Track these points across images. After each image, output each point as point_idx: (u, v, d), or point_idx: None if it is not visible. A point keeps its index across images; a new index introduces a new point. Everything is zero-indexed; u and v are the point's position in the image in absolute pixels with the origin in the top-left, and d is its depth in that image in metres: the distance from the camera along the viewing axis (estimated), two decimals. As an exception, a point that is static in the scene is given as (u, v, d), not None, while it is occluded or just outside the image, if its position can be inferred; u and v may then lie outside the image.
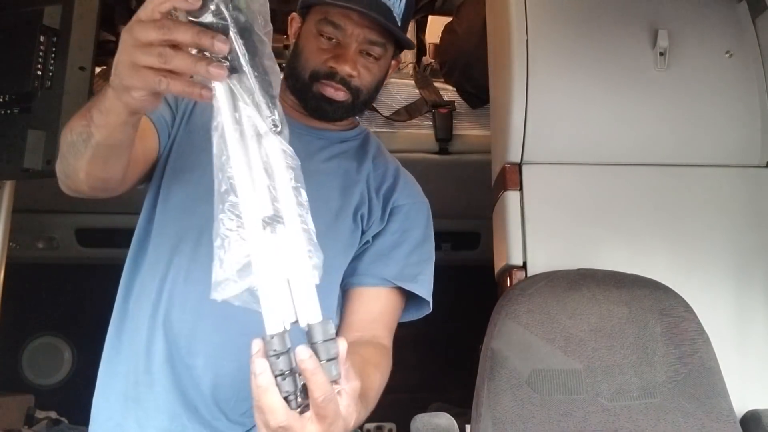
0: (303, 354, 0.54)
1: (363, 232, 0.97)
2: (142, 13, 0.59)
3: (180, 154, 0.94)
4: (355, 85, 0.95)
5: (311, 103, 0.96)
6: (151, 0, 0.58)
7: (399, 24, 0.94)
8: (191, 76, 0.58)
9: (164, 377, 0.87)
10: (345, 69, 0.93)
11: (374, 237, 0.97)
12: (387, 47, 0.96)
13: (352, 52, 0.93)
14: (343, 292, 0.98)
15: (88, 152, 0.74)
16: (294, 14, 1.01)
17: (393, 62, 1.02)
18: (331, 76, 0.93)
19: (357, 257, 0.97)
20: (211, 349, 0.87)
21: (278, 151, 0.58)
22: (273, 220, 0.57)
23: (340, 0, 0.91)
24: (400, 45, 1.00)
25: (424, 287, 0.98)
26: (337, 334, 0.85)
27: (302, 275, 0.57)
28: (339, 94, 0.94)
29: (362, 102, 0.98)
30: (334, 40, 0.93)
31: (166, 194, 0.93)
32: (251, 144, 0.57)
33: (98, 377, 0.94)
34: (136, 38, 0.58)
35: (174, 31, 0.56)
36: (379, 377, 0.87)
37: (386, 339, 0.95)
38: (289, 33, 1.02)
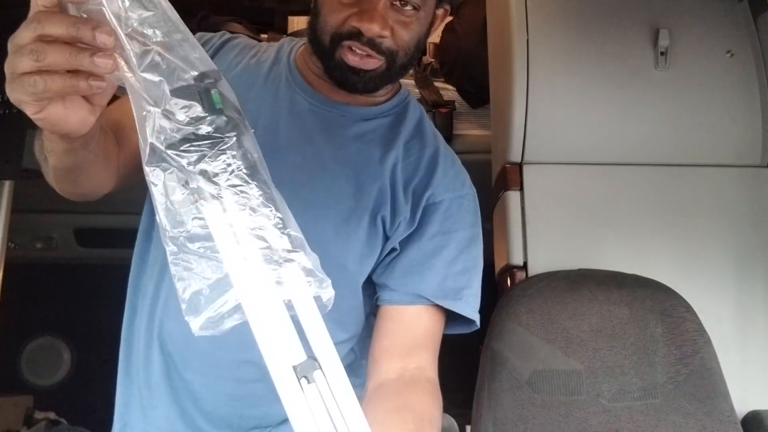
0: None
1: (386, 237, 0.81)
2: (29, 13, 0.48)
3: None
4: (388, 47, 0.77)
5: (336, 73, 0.80)
6: None
7: None
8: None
9: (163, 393, 0.80)
10: (372, 28, 0.75)
11: (404, 243, 0.81)
12: None
13: (381, 6, 0.75)
14: (375, 308, 0.84)
15: (51, 173, 0.67)
16: None
17: (440, 12, 0.84)
18: (356, 36, 0.76)
19: (388, 268, 0.82)
20: (206, 365, 0.78)
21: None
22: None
23: None
24: None
25: (470, 304, 0.82)
26: (375, 360, 0.79)
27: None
28: (368, 62, 0.77)
29: (402, 66, 0.80)
30: None
31: None
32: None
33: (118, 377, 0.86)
34: (13, 42, 0.49)
35: (45, 23, 0.46)
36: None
37: (432, 369, 0.81)
38: None
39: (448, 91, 1.94)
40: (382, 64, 0.78)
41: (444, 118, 1.88)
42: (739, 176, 1.37)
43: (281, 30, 2.21)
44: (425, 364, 0.80)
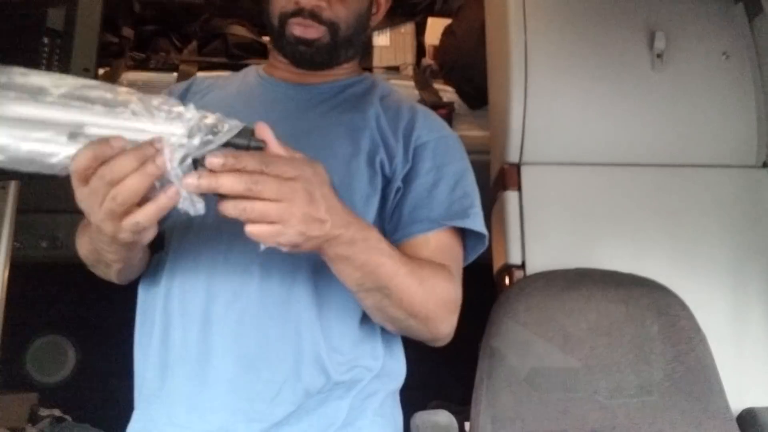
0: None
1: (387, 179, 0.85)
2: None
3: None
4: (328, 17, 0.87)
5: (288, 49, 0.89)
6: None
7: None
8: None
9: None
10: (309, 0, 0.85)
11: (406, 182, 0.85)
12: None
13: None
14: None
15: (114, 275, 0.78)
16: None
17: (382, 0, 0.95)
18: (298, 12, 0.86)
19: (396, 210, 0.85)
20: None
21: None
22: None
23: None
24: None
25: (478, 220, 0.85)
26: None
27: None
28: (310, 31, 0.87)
29: (344, 39, 0.89)
30: None
31: None
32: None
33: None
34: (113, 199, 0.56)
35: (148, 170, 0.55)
36: (429, 269, 0.77)
37: (450, 268, 0.82)
38: None
39: (447, 93, 1.96)
40: (325, 34, 0.88)
41: (443, 119, 1.89)
42: (735, 176, 1.38)
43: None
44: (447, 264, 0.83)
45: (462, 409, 1.30)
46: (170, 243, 0.83)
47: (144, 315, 0.84)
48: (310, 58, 0.89)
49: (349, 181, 0.82)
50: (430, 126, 0.89)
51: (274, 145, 0.60)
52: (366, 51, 2.01)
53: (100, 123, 0.55)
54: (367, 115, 0.88)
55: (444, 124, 0.93)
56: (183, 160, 0.55)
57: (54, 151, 0.55)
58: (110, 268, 0.76)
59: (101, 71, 1.84)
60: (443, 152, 0.88)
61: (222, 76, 1.02)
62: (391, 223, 0.85)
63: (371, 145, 0.85)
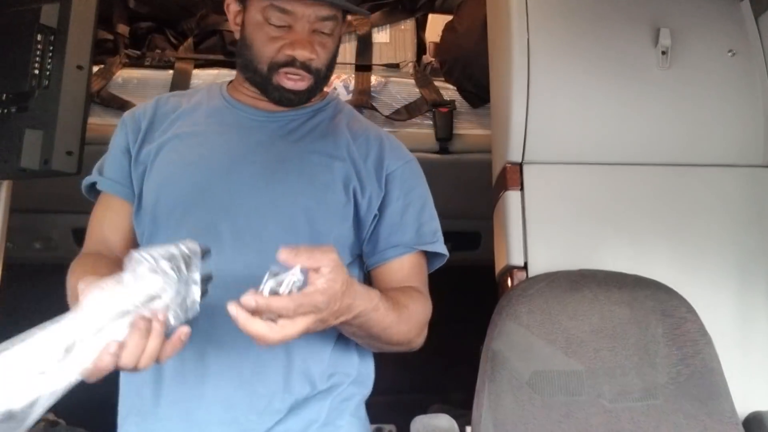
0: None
1: (360, 207, 0.94)
2: None
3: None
4: (316, 67, 0.92)
5: (274, 94, 0.94)
6: None
7: None
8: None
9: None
10: (304, 54, 0.90)
11: (380, 208, 0.95)
12: (338, 17, 0.93)
13: (306, 35, 0.90)
14: (366, 274, 0.98)
15: None
16: (233, 3, 0.96)
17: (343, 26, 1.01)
18: (291, 63, 0.91)
19: (372, 235, 0.95)
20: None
21: None
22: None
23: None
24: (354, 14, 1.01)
25: (441, 242, 0.98)
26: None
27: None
28: (300, 84, 0.92)
29: (323, 78, 0.96)
30: (284, 26, 0.90)
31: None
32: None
33: None
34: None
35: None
36: (410, 303, 0.88)
37: (420, 288, 0.95)
38: (231, 23, 0.98)
39: (449, 91, 1.94)
40: (312, 82, 0.94)
41: (444, 117, 1.88)
42: (741, 176, 1.37)
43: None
44: (420, 288, 0.95)
45: (463, 412, 1.28)
46: None
47: None
48: (295, 102, 0.95)
49: (326, 203, 0.91)
50: (396, 154, 0.98)
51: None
52: (366, 47, 2.00)
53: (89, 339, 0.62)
54: (339, 144, 0.96)
55: (405, 149, 1.02)
56: (182, 304, 0.67)
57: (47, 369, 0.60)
58: None
59: (95, 68, 1.82)
60: (409, 178, 0.98)
61: (184, 93, 1.07)
62: (369, 246, 0.96)
63: (345, 174, 0.93)
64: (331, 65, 0.97)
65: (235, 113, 0.98)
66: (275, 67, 0.91)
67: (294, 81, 0.92)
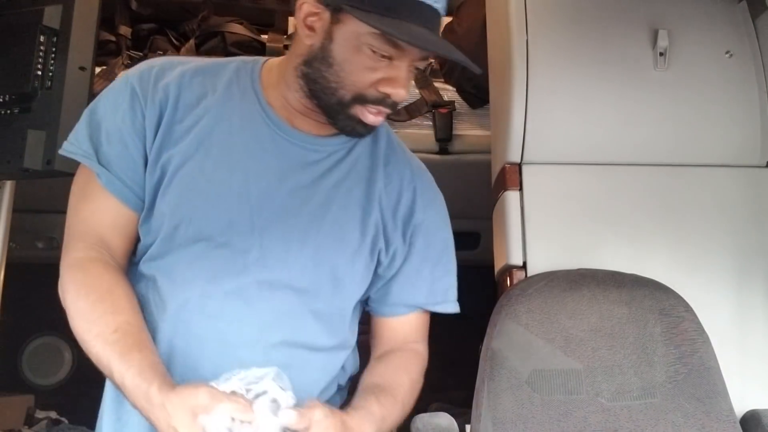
0: None
1: (381, 264, 0.90)
2: None
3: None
4: (399, 103, 0.83)
5: (344, 124, 0.82)
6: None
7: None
8: None
9: None
10: (401, 94, 0.79)
11: (394, 259, 0.92)
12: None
13: (407, 71, 0.79)
14: (368, 314, 0.97)
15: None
16: (312, 5, 0.79)
17: None
18: (381, 101, 0.80)
19: (385, 284, 0.93)
20: None
21: None
22: None
23: (411, 39, 0.74)
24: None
25: (453, 300, 0.96)
26: (367, 356, 0.95)
27: None
28: (380, 119, 0.82)
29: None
30: (386, 57, 0.77)
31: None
32: None
33: None
34: None
35: None
36: (406, 379, 0.88)
37: (420, 344, 0.95)
38: (299, 23, 0.81)
39: (448, 92, 1.95)
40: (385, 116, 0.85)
41: (444, 118, 1.89)
42: (739, 176, 1.38)
43: (281, 30, 2.22)
44: (412, 344, 0.94)
45: (463, 411, 1.29)
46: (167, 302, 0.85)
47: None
48: (360, 136, 0.87)
49: (352, 270, 0.88)
50: (426, 199, 0.93)
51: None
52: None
53: None
54: (373, 190, 0.89)
55: (433, 183, 0.96)
56: None
57: None
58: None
59: (98, 69, 1.82)
60: (433, 227, 0.93)
61: (207, 68, 0.90)
62: (378, 294, 0.93)
63: (374, 233, 0.89)
64: None
65: (273, 132, 0.86)
66: (362, 99, 0.79)
67: (375, 116, 0.81)
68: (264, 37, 2.17)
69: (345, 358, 0.93)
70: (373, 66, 0.78)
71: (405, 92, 0.79)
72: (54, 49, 1.46)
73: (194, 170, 0.83)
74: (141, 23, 2.15)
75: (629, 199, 1.36)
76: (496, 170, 1.48)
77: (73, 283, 0.80)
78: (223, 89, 0.87)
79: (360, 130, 0.83)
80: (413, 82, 1.96)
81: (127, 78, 0.86)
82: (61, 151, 0.86)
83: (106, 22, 1.97)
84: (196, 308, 0.82)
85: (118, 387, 0.74)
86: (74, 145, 0.85)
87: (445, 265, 0.95)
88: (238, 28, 2.13)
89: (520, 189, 1.35)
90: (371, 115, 0.81)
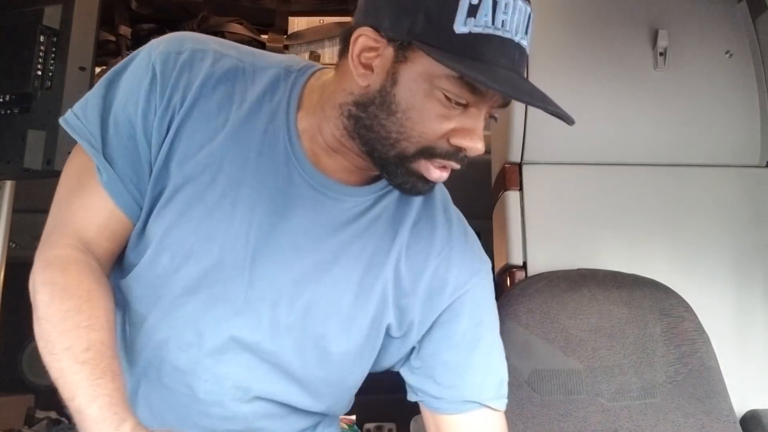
0: None
1: (392, 338, 0.76)
2: None
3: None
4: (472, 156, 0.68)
5: (401, 180, 0.68)
6: None
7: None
8: None
9: None
10: (478, 147, 0.65)
11: (433, 343, 0.76)
12: None
13: (483, 122, 0.66)
14: (425, 414, 0.81)
15: None
16: (371, 38, 0.64)
17: None
18: (452, 156, 0.65)
19: (423, 373, 0.77)
20: None
21: None
22: None
23: (501, 86, 0.60)
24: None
25: (505, 395, 0.78)
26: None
27: None
28: (445, 175, 0.68)
29: None
30: (461, 105, 0.63)
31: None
32: None
33: None
34: None
35: None
36: None
37: None
38: (352, 58, 0.65)
39: (448, 92, 1.94)
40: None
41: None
42: (738, 176, 1.38)
43: (281, 30, 2.22)
44: None
45: (463, 411, 1.29)
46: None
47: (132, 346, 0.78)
48: (420, 193, 0.71)
49: (346, 341, 0.74)
50: (467, 266, 0.76)
51: None
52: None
53: None
54: (390, 253, 0.74)
55: (479, 249, 0.80)
56: None
57: None
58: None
59: (98, 70, 1.82)
60: (480, 300, 0.77)
61: (239, 67, 0.74)
62: (416, 384, 0.79)
63: (380, 306, 0.74)
64: None
65: (293, 169, 0.72)
66: (429, 153, 0.65)
67: (441, 171, 0.67)
68: (264, 37, 2.17)
69: (332, 422, 0.84)
70: (446, 114, 0.63)
71: (482, 146, 0.65)
72: (54, 49, 1.45)
73: (194, 195, 0.70)
74: (141, 23, 2.15)
75: (629, 199, 1.36)
76: (496, 170, 1.48)
77: (49, 285, 0.68)
78: (252, 102, 0.73)
79: (420, 187, 0.69)
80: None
81: (150, 55, 0.72)
82: (62, 120, 0.72)
83: (106, 22, 1.97)
84: (168, 356, 0.72)
85: (72, 410, 0.60)
86: (81, 122, 0.71)
87: (499, 350, 0.79)
88: (238, 28, 2.13)
89: (520, 189, 1.36)
90: (436, 171, 0.66)
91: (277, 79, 0.74)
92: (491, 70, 0.61)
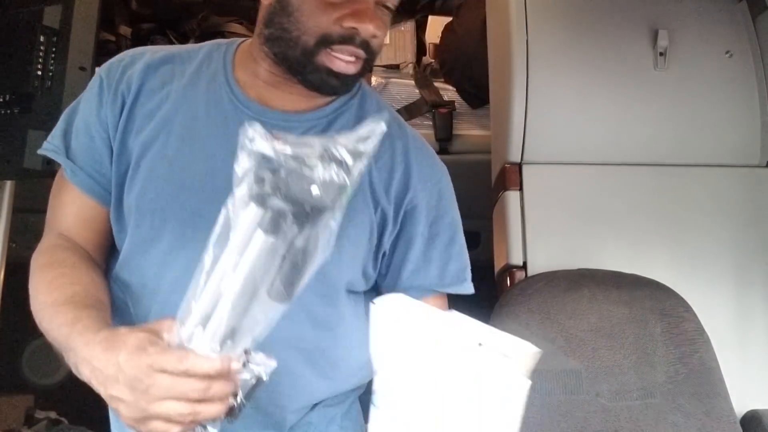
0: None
1: (378, 239, 0.83)
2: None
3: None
4: (374, 47, 0.73)
5: (312, 77, 0.73)
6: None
7: None
8: None
9: None
10: (369, 29, 0.70)
11: (397, 244, 0.84)
12: None
13: (373, 3, 0.72)
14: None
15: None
16: None
17: None
18: (349, 39, 0.71)
19: (391, 272, 0.86)
20: None
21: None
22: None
23: None
24: None
25: (466, 279, 0.88)
26: None
27: None
28: (352, 67, 0.73)
29: (370, 65, 0.77)
30: None
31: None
32: None
33: None
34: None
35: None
36: None
37: None
38: None
39: (448, 92, 1.95)
40: (363, 66, 0.75)
41: (444, 118, 1.89)
42: (738, 176, 1.38)
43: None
44: None
45: (463, 411, 1.28)
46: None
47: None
48: (338, 90, 0.76)
49: (338, 255, 0.74)
50: (424, 176, 0.83)
51: None
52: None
53: None
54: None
55: (436, 162, 0.87)
56: None
57: None
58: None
59: (98, 69, 1.82)
60: (437, 204, 0.84)
61: (176, 54, 0.84)
62: (387, 281, 0.87)
63: (363, 208, 0.80)
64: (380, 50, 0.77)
65: (241, 113, 0.78)
66: (327, 41, 0.71)
67: (346, 63, 0.72)
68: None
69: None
70: (333, 2, 0.71)
71: (373, 27, 0.71)
72: (54, 49, 1.46)
73: (156, 157, 0.77)
74: (141, 23, 2.15)
75: (629, 199, 1.36)
76: (496, 170, 1.48)
77: (36, 265, 0.76)
78: (191, 73, 0.81)
79: (332, 82, 0.73)
80: (413, 82, 1.96)
81: (98, 70, 0.84)
82: (39, 151, 0.84)
83: (106, 22, 1.97)
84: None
85: (61, 345, 0.64)
86: (49, 143, 0.84)
87: (458, 245, 0.87)
88: (237, 28, 2.13)
89: (520, 189, 1.35)
90: (341, 62, 0.72)
91: (210, 51, 0.84)
92: None
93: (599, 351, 1.14)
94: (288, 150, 0.50)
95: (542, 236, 1.33)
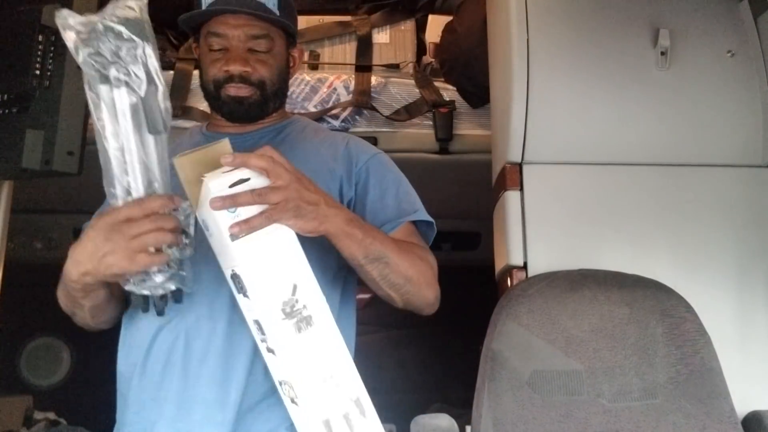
0: None
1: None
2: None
3: None
4: (256, 79, 1.01)
5: (225, 108, 1.03)
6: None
7: (278, 12, 1.01)
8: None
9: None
10: (236, 68, 1.00)
11: (359, 201, 1.02)
12: (273, 37, 1.03)
13: (239, 52, 1.00)
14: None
15: (89, 317, 0.93)
16: (194, 43, 1.09)
17: (296, 51, 1.11)
18: (230, 79, 1.01)
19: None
20: None
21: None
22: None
23: (210, 6, 0.98)
24: (292, 32, 1.07)
25: (423, 212, 1.03)
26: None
27: None
28: (242, 91, 1.01)
29: (272, 93, 1.04)
30: (221, 49, 1.01)
31: None
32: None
33: None
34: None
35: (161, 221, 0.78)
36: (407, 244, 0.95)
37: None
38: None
39: (448, 91, 1.94)
40: (256, 92, 1.02)
41: (444, 118, 1.88)
42: (740, 176, 1.37)
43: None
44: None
45: (463, 412, 1.28)
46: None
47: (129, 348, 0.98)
48: (245, 113, 1.04)
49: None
50: (363, 150, 1.06)
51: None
52: (366, 48, 2.00)
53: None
54: (308, 149, 1.03)
55: (370, 145, 1.11)
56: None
57: None
58: (83, 309, 0.90)
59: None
60: (380, 168, 1.05)
61: (174, 140, 1.09)
62: None
63: (326, 171, 1.00)
64: (277, 82, 1.04)
65: (210, 139, 1.01)
66: (219, 84, 1.02)
67: (236, 89, 1.01)
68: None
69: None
70: (216, 58, 1.01)
71: (239, 66, 1.00)
72: (52, 49, 1.45)
73: None
74: (140, 23, 2.14)
75: (630, 199, 1.36)
76: (496, 170, 1.47)
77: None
78: (180, 143, 1.08)
79: (237, 108, 1.03)
80: (413, 82, 1.96)
81: None
82: None
83: (105, 21, 1.96)
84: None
85: (69, 297, 0.88)
86: None
87: (405, 190, 1.04)
88: (237, 28, 2.12)
89: (521, 189, 1.35)
90: (231, 89, 1.01)
91: (193, 128, 1.18)
92: (210, 10, 1.00)
93: (600, 352, 1.14)
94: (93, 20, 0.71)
95: (543, 236, 1.33)
